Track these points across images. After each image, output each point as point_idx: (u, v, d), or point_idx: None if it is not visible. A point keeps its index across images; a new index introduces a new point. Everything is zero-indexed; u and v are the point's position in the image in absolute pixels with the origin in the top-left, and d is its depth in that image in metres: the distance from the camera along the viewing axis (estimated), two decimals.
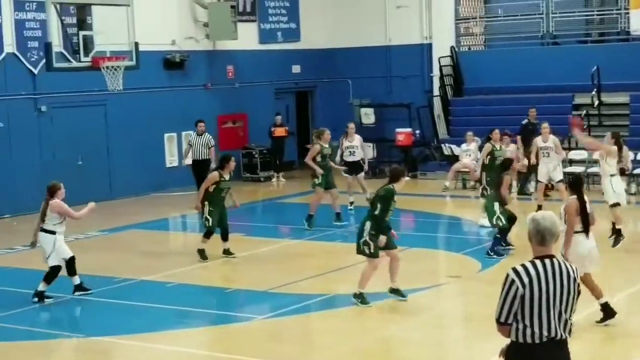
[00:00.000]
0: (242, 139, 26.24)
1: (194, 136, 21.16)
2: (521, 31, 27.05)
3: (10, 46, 20.53)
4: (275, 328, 11.59)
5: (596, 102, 23.30)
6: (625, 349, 10.44)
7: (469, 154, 22.27)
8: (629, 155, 17.56)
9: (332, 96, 28.53)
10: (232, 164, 15.21)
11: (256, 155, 25.73)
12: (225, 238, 15.34)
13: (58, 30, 19.43)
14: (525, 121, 21.43)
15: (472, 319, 11.63)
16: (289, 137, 26.68)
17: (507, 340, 5.98)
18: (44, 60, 19.23)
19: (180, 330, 11.69)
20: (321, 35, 28.15)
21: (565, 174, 18.55)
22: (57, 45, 19.02)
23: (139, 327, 11.64)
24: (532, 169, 19.27)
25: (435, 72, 26.89)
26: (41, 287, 12.67)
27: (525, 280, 5.79)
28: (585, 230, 10.61)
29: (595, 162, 17.66)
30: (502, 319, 5.87)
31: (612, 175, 15.18)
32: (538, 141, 18.64)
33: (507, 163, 15.36)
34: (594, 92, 23.20)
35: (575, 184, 10.97)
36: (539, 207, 16.71)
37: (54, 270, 12.63)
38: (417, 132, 26.38)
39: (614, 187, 15.14)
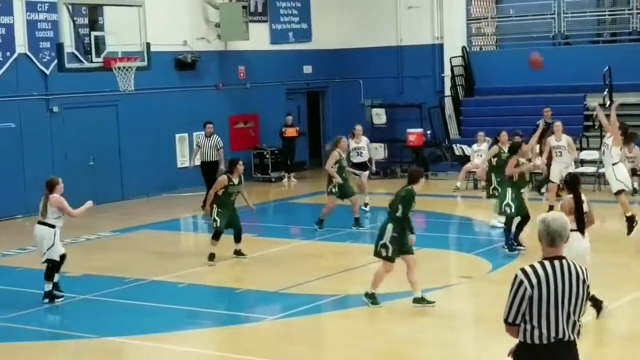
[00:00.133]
0: (253, 139, 26.27)
1: (203, 138, 21.16)
2: (533, 31, 26.97)
3: (22, 47, 20.60)
4: (286, 328, 11.59)
5: (608, 103, 23.22)
6: (632, 352, 10.40)
7: (480, 154, 22.22)
8: None
9: (343, 96, 28.54)
10: (241, 167, 15.19)
11: (267, 156, 25.75)
12: (238, 239, 15.32)
13: (70, 30, 19.47)
14: (540, 121, 21.33)
15: (483, 319, 11.60)
16: (300, 137, 26.69)
17: (517, 341, 5.98)
18: (55, 61, 19.28)
19: (191, 331, 11.70)
20: (332, 36, 28.14)
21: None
22: (69, 45, 19.10)
23: (150, 327, 11.66)
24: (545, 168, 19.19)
25: (447, 72, 26.86)
26: (47, 287, 12.69)
27: (534, 281, 5.77)
28: (580, 229, 10.51)
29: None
30: (510, 320, 5.86)
31: (614, 164, 15.11)
32: (551, 140, 18.56)
33: (516, 146, 15.35)
34: (605, 93, 23.12)
35: (572, 182, 10.90)
36: (551, 208, 16.65)
37: (54, 264, 12.64)
38: (429, 132, 26.36)
39: (617, 175, 15.05)
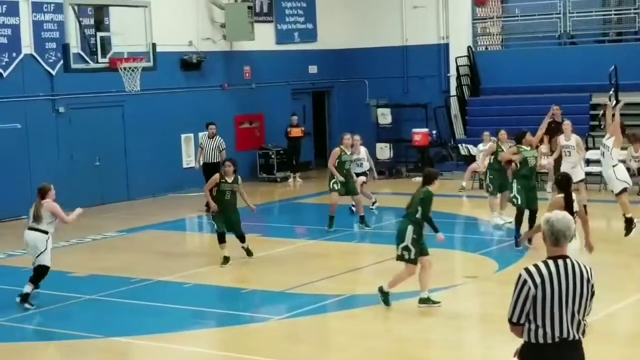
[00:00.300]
0: (258, 139, 26.29)
1: (205, 139, 21.15)
2: (538, 31, 26.95)
3: (28, 47, 20.64)
4: (292, 328, 11.60)
5: (614, 102, 23.17)
6: (637, 352, 10.40)
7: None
8: None
9: (348, 96, 28.53)
10: (228, 169, 14.91)
11: (273, 156, 25.76)
12: (241, 240, 15.22)
13: (76, 31, 19.53)
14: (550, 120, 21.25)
15: (489, 319, 11.60)
16: (306, 137, 26.70)
17: (522, 341, 5.97)
18: (61, 62, 19.35)
19: (197, 331, 11.72)
20: (338, 36, 28.15)
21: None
22: (75, 46, 19.16)
23: (156, 327, 11.67)
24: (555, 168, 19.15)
25: (452, 72, 26.84)
26: (27, 288, 12.59)
27: (538, 280, 5.77)
28: None
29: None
30: (515, 319, 5.86)
31: (614, 166, 15.13)
32: (561, 139, 18.52)
33: (521, 136, 15.50)
34: (611, 92, 23.08)
35: (563, 182, 10.89)
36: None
37: (44, 269, 12.63)
38: (434, 132, 26.35)
39: (617, 175, 15.06)
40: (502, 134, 17.83)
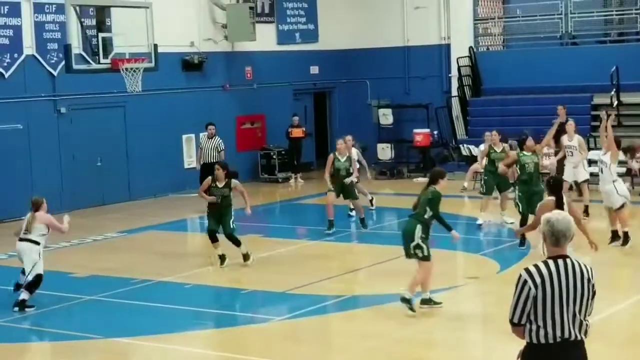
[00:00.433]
0: (260, 139, 26.29)
1: (205, 139, 21.13)
2: (540, 31, 26.95)
3: (29, 48, 20.64)
4: (292, 329, 11.60)
5: (615, 103, 23.19)
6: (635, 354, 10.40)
7: None
8: None
9: (350, 97, 28.55)
10: (217, 172, 14.76)
11: (274, 156, 25.76)
12: (236, 245, 14.81)
13: (77, 32, 19.56)
14: (555, 120, 21.17)
15: (491, 320, 11.58)
16: (307, 138, 26.69)
17: (525, 343, 5.96)
18: (63, 62, 19.35)
19: (197, 332, 11.72)
20: (339, 36, 28.15)
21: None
22: (77, 47, 19.18)
23: (157, 328, 11.66)
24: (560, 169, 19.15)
25: (454, 72, 26.83)
26: (24, 295, 12.56)
27: (538, 280, 5.76)
28: None
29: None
30: (516, 320, 5.85)
31: (614, 181, 15.12)
32: (564, 140, 18.50)
33: (522, 142, 15.56)
34: (613, 93, 23.09)
35: (554, 185, 10.86)
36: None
37: (39, 278, 12.62)
38: (436, 132, 26.35)
39: (618, 190, 15.05)
40: (494, 134, 17.85)
